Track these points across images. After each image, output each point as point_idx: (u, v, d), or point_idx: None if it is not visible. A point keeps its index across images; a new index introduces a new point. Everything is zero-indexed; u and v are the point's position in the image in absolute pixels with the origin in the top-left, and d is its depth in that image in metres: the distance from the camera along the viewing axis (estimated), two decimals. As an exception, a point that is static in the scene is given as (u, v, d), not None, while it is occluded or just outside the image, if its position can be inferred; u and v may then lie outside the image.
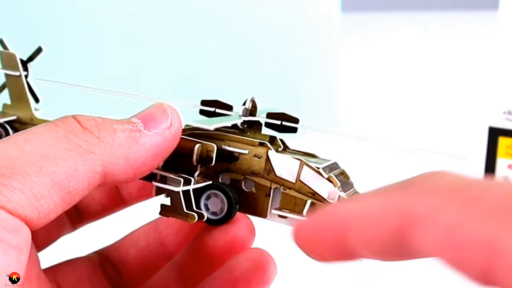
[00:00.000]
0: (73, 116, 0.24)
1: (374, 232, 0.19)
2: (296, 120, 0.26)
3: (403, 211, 0.18)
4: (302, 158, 0.26)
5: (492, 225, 0.16)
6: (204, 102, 0.27)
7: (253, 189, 0.26)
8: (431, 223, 0.17)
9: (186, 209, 0.25)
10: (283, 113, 0.26)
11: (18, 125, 0.34)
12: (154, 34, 0.75)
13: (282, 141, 0.27)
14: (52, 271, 0.27)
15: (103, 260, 0.30)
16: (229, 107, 0.27)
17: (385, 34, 0.97)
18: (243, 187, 0.27)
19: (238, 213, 0.27)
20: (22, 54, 0.33)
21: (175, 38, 0.76)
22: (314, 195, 0.25)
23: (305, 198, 0.25)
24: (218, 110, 0.27)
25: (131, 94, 0.28)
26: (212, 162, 0.26)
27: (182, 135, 0.26)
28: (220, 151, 0.26)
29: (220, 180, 0.27)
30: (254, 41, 0.80)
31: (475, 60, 0.88)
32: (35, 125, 0.35)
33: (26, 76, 0.34)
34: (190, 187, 0.26)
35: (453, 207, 0.17)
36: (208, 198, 0.27)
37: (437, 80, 0.89)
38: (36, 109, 0.34)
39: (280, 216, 0.26)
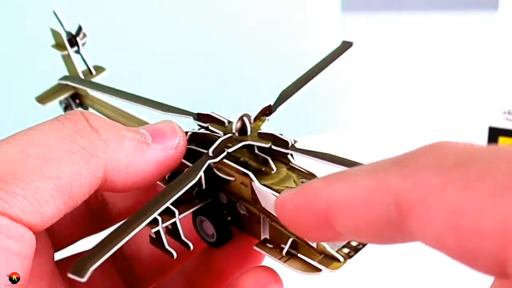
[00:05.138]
0: (82, 113, 0.23)
1: (363, 219, 0.16)
2: (286, 143, 0.24)
3: (396, 196, 0.15)
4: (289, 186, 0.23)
5: (502, 209, 0.13)
6: (199, 116, 0.26)
7: (246, 213, 0.25)
8: (429, 209, 0.14)
9: (167, 246, 0.24)
10: (272, 134, 0.24)
11: (78, 99, 0.34)
12: (158, 33, 0.75)
13: (282, 158, 0.25)
14: (63, 264, 0.27)
15: (115, 254, 0.29)
16: (222, 122, 0.25)
17: (385, 34, 0.97)
18: (238, 209, 0.25)
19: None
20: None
21: (177, 39, 0.76)
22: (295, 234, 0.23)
23: (289, 235, 0.23)
24: (210, 127, 0.25)
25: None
26: (202, 186, 0.25)
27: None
28: (211, 174, 0.25)
29: (219, 198, 0.26)
30: (254, 41, 0.80)
31: (475, 60, 0.88)
32: (90, 99, 0.34)
33: (77, 51, 0.33)
34: (169, 222, 0.24)
35: (453, 189, 0.14)
36: (201, 222, 0.26)
37: (437, 80, 0.89)
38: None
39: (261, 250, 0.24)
